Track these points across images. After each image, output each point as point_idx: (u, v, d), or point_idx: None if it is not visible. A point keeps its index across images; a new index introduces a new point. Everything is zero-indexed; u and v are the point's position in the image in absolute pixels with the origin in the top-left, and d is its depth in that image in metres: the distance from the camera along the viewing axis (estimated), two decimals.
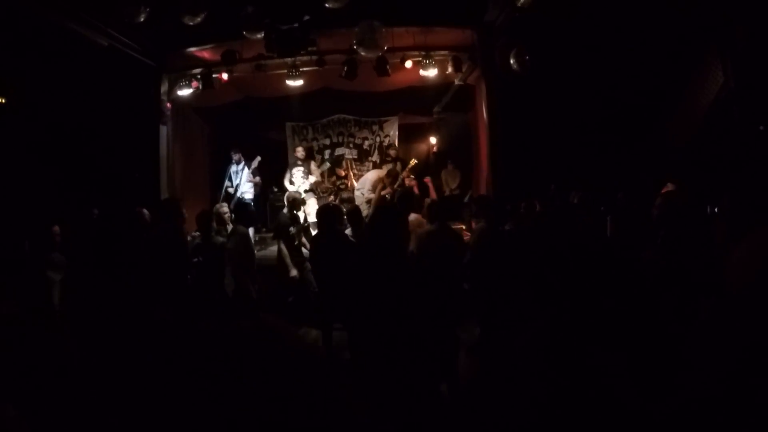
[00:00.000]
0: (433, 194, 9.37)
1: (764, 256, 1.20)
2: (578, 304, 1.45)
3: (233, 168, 9.38)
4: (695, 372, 1.33)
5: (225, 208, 6.88)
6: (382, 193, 8.81)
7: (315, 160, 10.79)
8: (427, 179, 9.57)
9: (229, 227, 6.00)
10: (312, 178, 9.59)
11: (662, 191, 4.91)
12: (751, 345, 1.20)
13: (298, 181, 9.50)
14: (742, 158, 5.88)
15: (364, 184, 9.31)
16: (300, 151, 9.94)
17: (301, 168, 9.59)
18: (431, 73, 8.56)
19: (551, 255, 1.39)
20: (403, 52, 8.38)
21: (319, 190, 10.47)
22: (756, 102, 6.10)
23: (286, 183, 9.69)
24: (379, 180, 9.09)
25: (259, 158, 9.38)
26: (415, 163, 9.32)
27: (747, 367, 1.20)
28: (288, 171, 9.74)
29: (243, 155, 9.36)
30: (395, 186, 8.72)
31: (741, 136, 6.21)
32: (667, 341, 2.03)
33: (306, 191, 9.43)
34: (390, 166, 9.60)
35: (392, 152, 10.46)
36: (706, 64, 7.13)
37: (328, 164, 10.28)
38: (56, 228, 4.57)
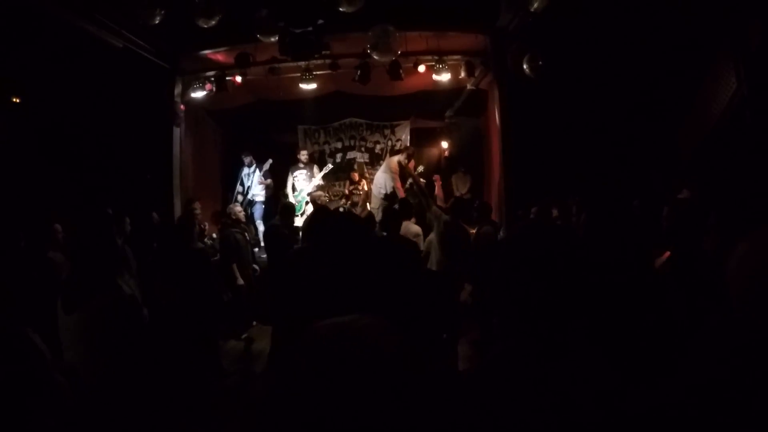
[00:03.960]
0: (439, 192, 9.34)
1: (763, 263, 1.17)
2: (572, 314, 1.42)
3: (245, 171, 9.41)
4: (697, 378, 1.31)
5: (238, 207, 7.08)
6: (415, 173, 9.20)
7: (327, 163, 10.79)
8: (436, 177, 9.55)
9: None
10: (315, 182, 9.56)
11: (678, 197, 4.86)
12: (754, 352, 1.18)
13: (301, 184, 9.48)
14: (752, 166, 5.78)
15: (379, 182, 9.33)
16: (304, 155, 9.90)
17: (304, 171, 9.58)
18: (444, 77, 8.55)
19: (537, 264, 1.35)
20: (417, 56, 8.37)
21: (330, 193, 10.45)
22: None
23: (288, 190, 9.67)
24: (395, 164, 9.11)
25: (270, 161, 9.42)
26: (421, 171, 9.41)
27: (751, 374, 1.18)
28: (290, 175, 9.70)
29: (254, 158, 9.38)
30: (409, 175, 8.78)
31: (753, 143, 6.12)
32: (671, 348, 2.00)
33: (309, 194, 9.42)
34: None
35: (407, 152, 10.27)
36: (719, 69, 7.04)
37: (330, 166, 10.23)
38: (58, 226, 4.52)
